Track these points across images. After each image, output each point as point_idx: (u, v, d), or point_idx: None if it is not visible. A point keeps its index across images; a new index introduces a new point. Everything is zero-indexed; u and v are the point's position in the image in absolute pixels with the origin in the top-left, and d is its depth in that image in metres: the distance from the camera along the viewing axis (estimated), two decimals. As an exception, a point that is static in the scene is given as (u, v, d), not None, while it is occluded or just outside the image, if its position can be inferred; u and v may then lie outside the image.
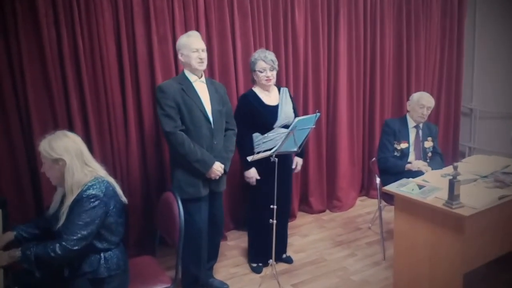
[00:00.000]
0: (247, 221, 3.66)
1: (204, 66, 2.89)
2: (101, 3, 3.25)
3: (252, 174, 3.20)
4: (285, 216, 3.49)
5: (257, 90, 3.27)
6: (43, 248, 2.01)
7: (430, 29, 5.13)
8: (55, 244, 2.02)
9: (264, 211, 3.25)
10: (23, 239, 2.26)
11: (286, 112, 3.24)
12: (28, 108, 3.08)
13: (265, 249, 3.37)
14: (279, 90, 3.33)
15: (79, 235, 2.04)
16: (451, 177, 2.46)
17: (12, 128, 3.09)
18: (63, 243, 2.02)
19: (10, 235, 2.24)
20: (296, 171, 3.51)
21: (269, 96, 3.26)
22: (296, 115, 3.30)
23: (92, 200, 2.07)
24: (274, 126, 3.18)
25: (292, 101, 3.37)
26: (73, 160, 2.12)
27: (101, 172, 2.22)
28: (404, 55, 4.94)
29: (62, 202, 2.16)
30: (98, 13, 3.25)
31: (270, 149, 2.96)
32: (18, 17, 2.97)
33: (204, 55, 2.87)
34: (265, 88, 3.25)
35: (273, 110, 3.22)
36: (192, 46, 2.82)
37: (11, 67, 3.04)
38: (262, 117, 3.18)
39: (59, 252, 2.01)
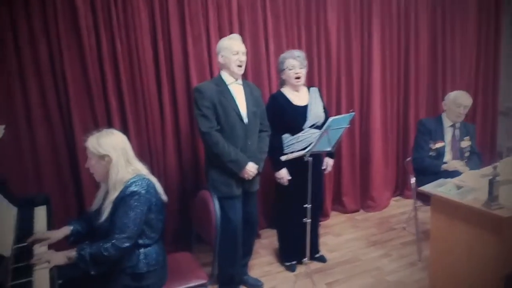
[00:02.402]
0: (276, 221, 3.68)
1: (242, 70, 2.92)
2: (138, 5, 3.34)
3: (283, 174, 3.21)
4: (316, 215, 3.48)
5: (286, 90, 3.26)
6: (97, 248, 2.09)
7: (466, 25, 5.02)
8: (108, 243, 2.09)
9: (293, 210, 3.27)
10: (78, 233, 2.36)
11: (316, 112, 3.22)
12: (69, 108, 3.19)
13: (296, 248, 3.39)
14: (308, 90, 3.32)
15: (129, 233, 2.12)
16: (490, 178, 2.40)
17: (54, 127, 3.21)
18: (114, 241, 2.09)
19: (67, 229, 2.34)
20: (326, 171, 3.50)
21: (298, 97, 3.25)
22: (326, 115, 3.29)
23: (136, 197, 2.14)
24: (304, 126, 3.17)
25: (322, 100, 3.34)
26: (119, 157, 2.20)
27: (143, 171, 2.29)
28: (439, 53, 4.86)
29: (104, 198, 2.25)
30: (135, 15, 3.34)
31: (304, 149, 2.97)
32: (59, 19, 3.09)
33: (244, 58, 2.89)
34: (295, 88, 3.24)
35: (303, 111, 3.21)
36: (233, 49, 2.85)
37: (53, 67, 3.16)
38: (291, 118, 3.18)
39: (112, 251, 2.09)
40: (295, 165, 3.08)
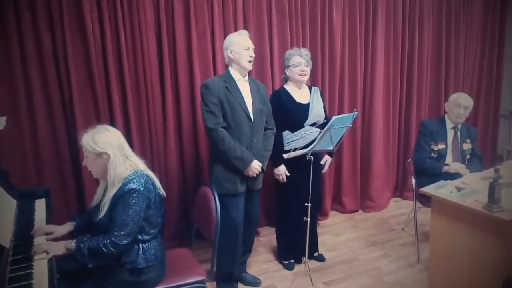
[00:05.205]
0: (275, 219, 3.68)
1: (251, 66, 2.93)
2: (143, 0, 3.32)
3: (282, 171, 3.21)
4: (315, 214, 3.48)
5: (288, 87, 3.28)
6: (96, 242, 2.08)
7: (471, 28, 5.02)
8: (107, 239, 2.08)
9: (293, 208, 3.27)
10: (80, 229, 2.36)
11: (317, 111, 3.24)
12: (72, 102, 3.18)
13: (294, 247, 3.39)
14: (310, 89, 3.33)
15: (128, 230, 2.11)
16: (492, 180, 2.40)
17: (56, 121, 3.20)
18: (113, 238, 2.09)
19: (71, 225, 2.35)
20: (324, 170, 3.49)
21: (301, 94, 3.27)
22: (326, 115, 3.31)
23: (134, 195, 2.13)
24: (305, 124, 3.19)
25: (323, 100, 3.36)
26: (116, 154, 2.18)
27: (140, 165, 2.27)
28: (443, 55, 4.86)
29: (104, 194, 2.23)
30: (140, 9, 3.32)
31: (306, 147, 2.97)
32: (63, 13, 3.07)
33: (253, 54, 2.92)
34: (298, 85, 3.26)
35: (304, 108, 3.22)
36: (244, 44, 2.87)
37: (57, 61, 3.14)
38: (293, 115, 3.19)
39: (110, 247, 2.08)
40: (295, 163, 3.09)
